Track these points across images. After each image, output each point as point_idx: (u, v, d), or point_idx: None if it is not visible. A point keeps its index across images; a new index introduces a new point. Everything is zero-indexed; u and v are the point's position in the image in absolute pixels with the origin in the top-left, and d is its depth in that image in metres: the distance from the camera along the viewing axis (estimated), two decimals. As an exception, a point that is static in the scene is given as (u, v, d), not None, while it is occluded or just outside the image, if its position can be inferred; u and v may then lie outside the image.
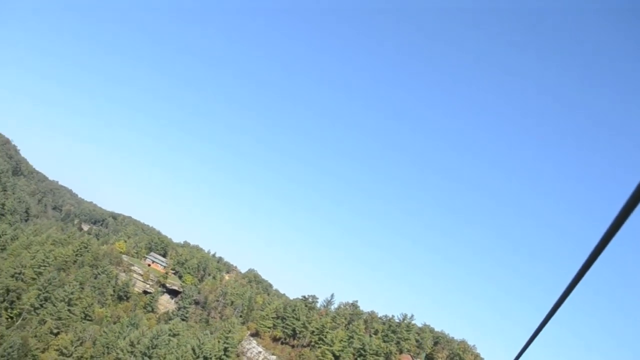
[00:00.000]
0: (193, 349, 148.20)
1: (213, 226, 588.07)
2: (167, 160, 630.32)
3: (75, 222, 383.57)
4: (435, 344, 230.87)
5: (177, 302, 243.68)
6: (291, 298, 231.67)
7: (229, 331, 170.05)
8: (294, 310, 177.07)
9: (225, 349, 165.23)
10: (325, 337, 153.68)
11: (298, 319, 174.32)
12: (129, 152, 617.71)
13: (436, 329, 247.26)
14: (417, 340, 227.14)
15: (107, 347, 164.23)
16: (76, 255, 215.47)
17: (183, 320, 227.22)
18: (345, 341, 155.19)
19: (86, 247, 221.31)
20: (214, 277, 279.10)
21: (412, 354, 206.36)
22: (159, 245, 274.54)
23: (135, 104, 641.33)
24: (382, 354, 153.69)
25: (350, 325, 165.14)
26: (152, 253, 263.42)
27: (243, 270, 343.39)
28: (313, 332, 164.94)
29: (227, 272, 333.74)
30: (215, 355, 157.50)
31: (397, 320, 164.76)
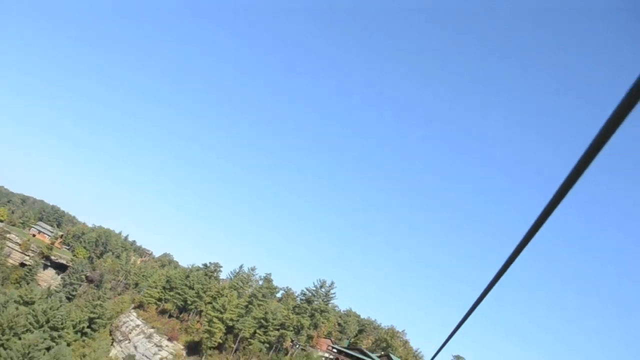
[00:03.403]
0: (36, 316, 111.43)
1: (131, 212, 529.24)
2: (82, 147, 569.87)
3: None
4: (360, 331, 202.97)
5: (63, 278, 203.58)
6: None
7: (99, 298, 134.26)
8: (188, 277, 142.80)
9: (92, 320, 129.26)
10: (216, 303, 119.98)
11: (192, 288, 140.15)
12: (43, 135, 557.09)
13: (362, 316, 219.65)
14: (339, 324, 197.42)
15: None
16: None
17: (68, 298, 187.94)
18: (242, 308, 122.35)
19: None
20: (117, 257, 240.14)
21: (333, 338, 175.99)
22: (52, 215, 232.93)
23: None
24: (291, 327, 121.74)
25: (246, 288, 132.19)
26: (40, 222, 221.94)
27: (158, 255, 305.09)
28: (209, 302, 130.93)
29: (141, 257, 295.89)
30: (73, 325, 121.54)
31: (314, 287, 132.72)
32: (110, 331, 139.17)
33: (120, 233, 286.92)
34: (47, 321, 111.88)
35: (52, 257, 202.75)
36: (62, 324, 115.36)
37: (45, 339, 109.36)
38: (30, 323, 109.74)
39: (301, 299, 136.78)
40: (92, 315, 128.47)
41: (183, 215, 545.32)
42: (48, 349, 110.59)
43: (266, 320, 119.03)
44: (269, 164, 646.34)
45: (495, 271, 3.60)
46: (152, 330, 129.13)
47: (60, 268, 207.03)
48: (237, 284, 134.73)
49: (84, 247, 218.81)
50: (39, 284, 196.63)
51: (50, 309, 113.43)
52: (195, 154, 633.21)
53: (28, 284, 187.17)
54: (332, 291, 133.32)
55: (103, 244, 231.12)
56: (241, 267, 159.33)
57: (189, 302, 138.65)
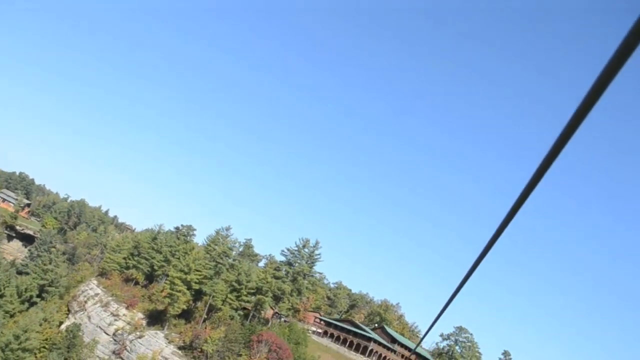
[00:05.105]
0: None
1: (116, 189, 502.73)
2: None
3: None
4: (352, 306, 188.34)
5: (30, 250, 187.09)
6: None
7: (50, 262, 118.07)
8: (155, 238, 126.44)
9: (42, 288, 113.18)
10: (180, 262, 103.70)
11: (159, 252, 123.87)
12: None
13: (354, 291, 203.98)
14: (329, 298, 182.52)
15: None
16: None
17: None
18: (210, 269, 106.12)
19: None
20: (94, 230, 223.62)
21: (322, 312, 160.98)
22: (20, 184, 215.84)
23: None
24: (269, 291, 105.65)
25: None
26: (4, 190, 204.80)
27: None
28: (175, 265, 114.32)
29: (121, 232, 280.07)
30: (18, 294, 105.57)
31: (295, 247, 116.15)
32: (68, 302, 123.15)
33: (100, 207, 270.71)
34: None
35: (18, 227, 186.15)
36: (0, 290, 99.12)
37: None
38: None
39: (281, 262, 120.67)
40: (42, 282, 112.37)
41: (169, 195, 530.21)
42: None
43: (239, 283, 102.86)
44: (265, 147, 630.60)
45: (487, 240, 3.41)
46: (110, 298, 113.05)
47: (28, 240, 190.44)
48: (210, 246, 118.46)
49: (55, 218, 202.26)
50: (4, 257, 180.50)
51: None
52: (189, 139, 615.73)
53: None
54: (317, 252, 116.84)
55: (77, 215, 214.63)
56: (218, 231, 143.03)
57: (156, 267, 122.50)
